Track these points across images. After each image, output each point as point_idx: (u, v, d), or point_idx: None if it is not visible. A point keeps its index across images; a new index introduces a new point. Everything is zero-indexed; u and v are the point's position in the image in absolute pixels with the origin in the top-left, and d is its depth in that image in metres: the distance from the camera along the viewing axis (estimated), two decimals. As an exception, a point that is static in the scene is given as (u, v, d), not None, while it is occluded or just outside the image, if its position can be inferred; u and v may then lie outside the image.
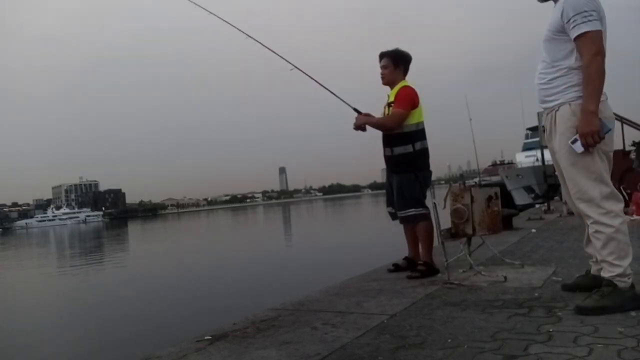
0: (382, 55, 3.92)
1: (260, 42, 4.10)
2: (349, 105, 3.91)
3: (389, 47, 3.93)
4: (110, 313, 9.74)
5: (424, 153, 3.85)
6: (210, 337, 2.45)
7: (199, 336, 2.48)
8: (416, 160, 3.78)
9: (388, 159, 3.88)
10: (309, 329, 2.50)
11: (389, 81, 3.90)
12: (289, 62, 3.97)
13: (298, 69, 3.98)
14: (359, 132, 3.81)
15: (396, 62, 3.87)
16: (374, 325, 2.46)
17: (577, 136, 2.43)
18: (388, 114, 3.84)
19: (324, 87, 3.99)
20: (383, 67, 3.90)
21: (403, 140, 3.77)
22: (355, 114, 3.84)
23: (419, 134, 3.81)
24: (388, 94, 3.92)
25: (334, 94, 3.96)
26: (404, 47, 3.95)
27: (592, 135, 2.37)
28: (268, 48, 4.08)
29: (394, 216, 3.94)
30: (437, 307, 2.75)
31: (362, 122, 3.79)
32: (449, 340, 2.13)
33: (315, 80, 4.00)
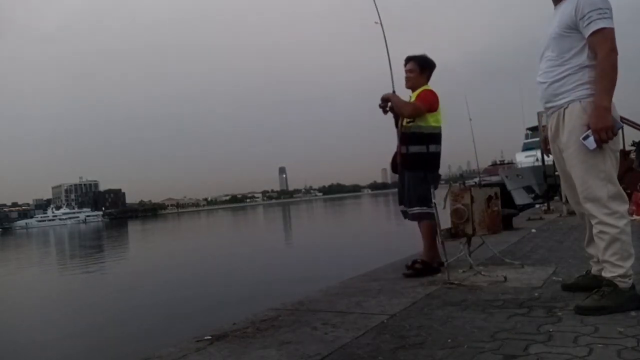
0: (409, 59, 4.01)
1: None
2: (392, 79, 4.01)
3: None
4: (110, 313, 9.73)
5: (437, 156, 3.95)
6: (210, 337, 2.45)
7: (199, 336, 2.48)
8: (428, 161, 3.88)
9: (402, 156, 3.95)
10: (309, 329, 2.50)
11: (412, 85, 4.00)
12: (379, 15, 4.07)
13: (381, 24, 4.08)
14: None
15: (423, 68, 3.98)
16: (374, 325, 2.46)
17: (589, 132, 2.38)
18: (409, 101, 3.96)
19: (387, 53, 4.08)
20: (409, 71, 3.99)
21: (419, 141, 3.87)
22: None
23: (435, 137, 3.92)
24: (410, 95, 4.00)
25: (390, 64, 4.05)
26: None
27: (605, 131, 2.35)
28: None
29: (405, 214, 3.99)
30: (437, 307, 2.75)
31: (389, 96, 3.89)
32: (449, 340, 2.13)
33: (385, 41, 4.10)
